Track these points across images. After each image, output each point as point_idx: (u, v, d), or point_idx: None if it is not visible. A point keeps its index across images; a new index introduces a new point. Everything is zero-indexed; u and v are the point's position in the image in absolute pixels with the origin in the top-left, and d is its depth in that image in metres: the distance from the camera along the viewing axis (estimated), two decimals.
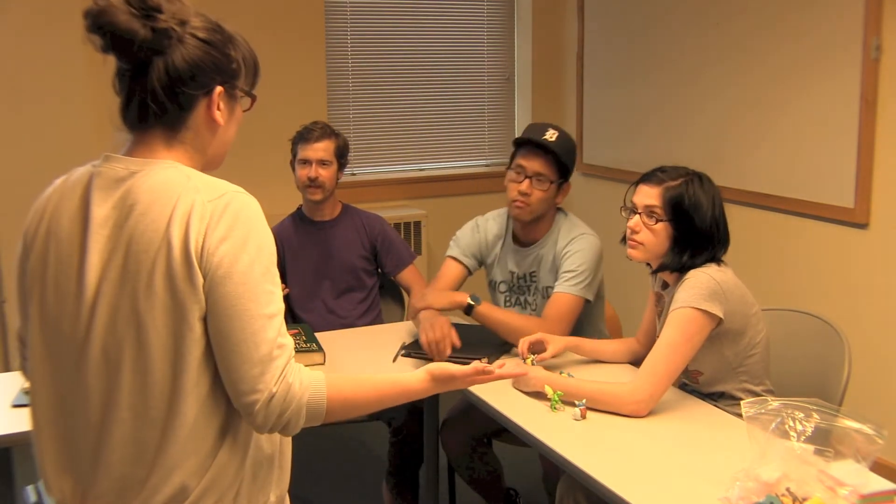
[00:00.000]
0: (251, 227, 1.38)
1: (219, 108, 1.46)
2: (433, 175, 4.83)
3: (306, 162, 3.10)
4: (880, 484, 1.68)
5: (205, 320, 1.37)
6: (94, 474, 1.41)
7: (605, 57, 4.68)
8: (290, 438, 1.55)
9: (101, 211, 1.40)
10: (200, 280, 1.35)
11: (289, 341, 1.42)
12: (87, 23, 1.38)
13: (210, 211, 1.36)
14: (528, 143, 2.73)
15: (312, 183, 3.10)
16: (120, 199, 1.39)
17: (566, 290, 2.66)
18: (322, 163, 3.10)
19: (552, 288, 2.73)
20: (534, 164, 2.71)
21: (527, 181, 2.71)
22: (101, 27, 1.37)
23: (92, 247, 1.39)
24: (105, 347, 1.38)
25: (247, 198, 1.41)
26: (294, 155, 3.17)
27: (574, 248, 2.71)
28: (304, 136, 3.15)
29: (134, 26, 1.36)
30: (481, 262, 2.95)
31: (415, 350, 2.63)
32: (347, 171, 4.67)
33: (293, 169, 3.17)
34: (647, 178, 2.30)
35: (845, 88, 3.34)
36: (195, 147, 1.47)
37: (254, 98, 1.53)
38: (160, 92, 1.40)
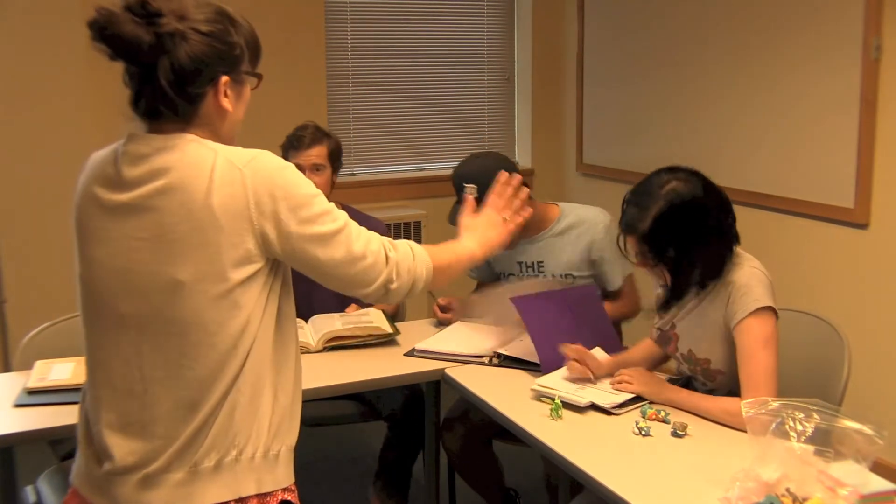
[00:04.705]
0: (280, 189, 1.47)
1: (226, 96, 1.50)
2: (433, 175, 4.83)
3: (299, 169, 2.97)
4: (880, 484, 1.68)
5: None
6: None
7: (605, 57, 4.68)
8: (300, 391, 1.60)
9: (129, 185, 1.46)
10: (249, 248, 1.44)
11: (371, 237, 1.58)
12: (92, 33, 1.41)
13: (250, 187, 1.44)
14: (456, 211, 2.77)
15: None
16: (150, 174, 1.44)
17: (629, 270, 2.83)
18: (316, 168, 2.96)
19: (573, 275, 2.84)
20: None
21: None
22: (107, 37, 1.40)
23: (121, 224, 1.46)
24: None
25: (258, 162, 1.47)
26: None
27: (606, 240, 2.82)
28: (294, 142, 3.00)
29: (138, 33, 1.39)
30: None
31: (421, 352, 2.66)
32: (347, 171, 4.72)
33: None
34: (626, 226, 2.19)
35: (845, 88, 3.34)
36: (209, 130, 1.51)
37: (259, 77, 1.57)
38: (169, 90, 1.43)
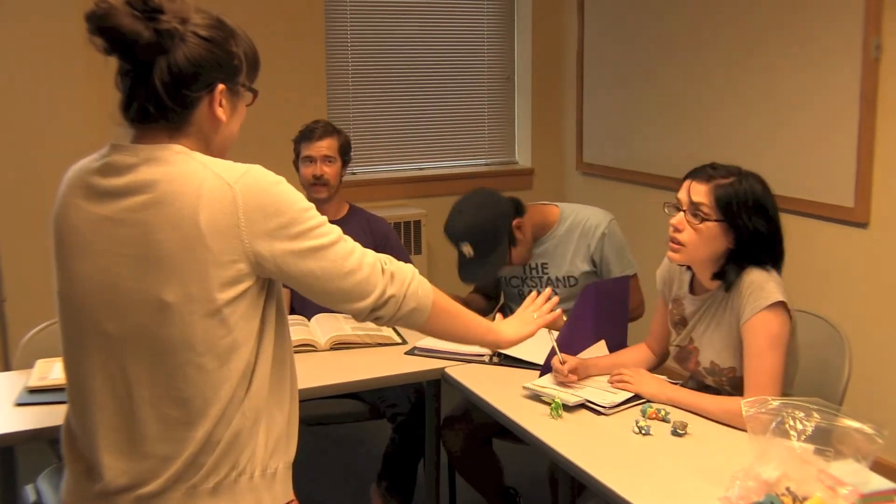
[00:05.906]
0: (272, 205, 1.42)
1: (221, 105, 1.47)
2: (433, 175, 4.83)
3: (310, 160, 3.11)
4: (880, 483, 1.68)
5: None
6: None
7: (605, 57, 4.68)
8: (297, 409, 1.58)
9: (113, 197, 1.42)
10: (240, 268, 1.41)
11: (366, 252, 1.54)
12: (89, 26, 1.37)
13: (241, 204, 1.40)
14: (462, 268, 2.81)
15: (317, 181, 3.09)
16: (136, 186, 1.40)
17: (632, 271, 2.87)
18: (326, 159, 3.11)
19: (576, 277, 2.85)
20: (480, 277, 2.89)
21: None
22: (104, 30, 1.36)
23: (104, 236, 1.42)
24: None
25: (249, 178, 1.43)
26: (297, 154, 3.16)
27: (607, 241, 2.84)
28: (306, 134, 3.15)
29: (137, 28, 1.36)
30: None
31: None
32: (348, 170, 4.71)
33: (297, 169, 3.16)
34: (695, 173, 2.20)
35: (845, 88, 3.34)
36: (199, 139, 1.47)
37: (255, 93, 1.54)
38: (163, 91, 1.40)
